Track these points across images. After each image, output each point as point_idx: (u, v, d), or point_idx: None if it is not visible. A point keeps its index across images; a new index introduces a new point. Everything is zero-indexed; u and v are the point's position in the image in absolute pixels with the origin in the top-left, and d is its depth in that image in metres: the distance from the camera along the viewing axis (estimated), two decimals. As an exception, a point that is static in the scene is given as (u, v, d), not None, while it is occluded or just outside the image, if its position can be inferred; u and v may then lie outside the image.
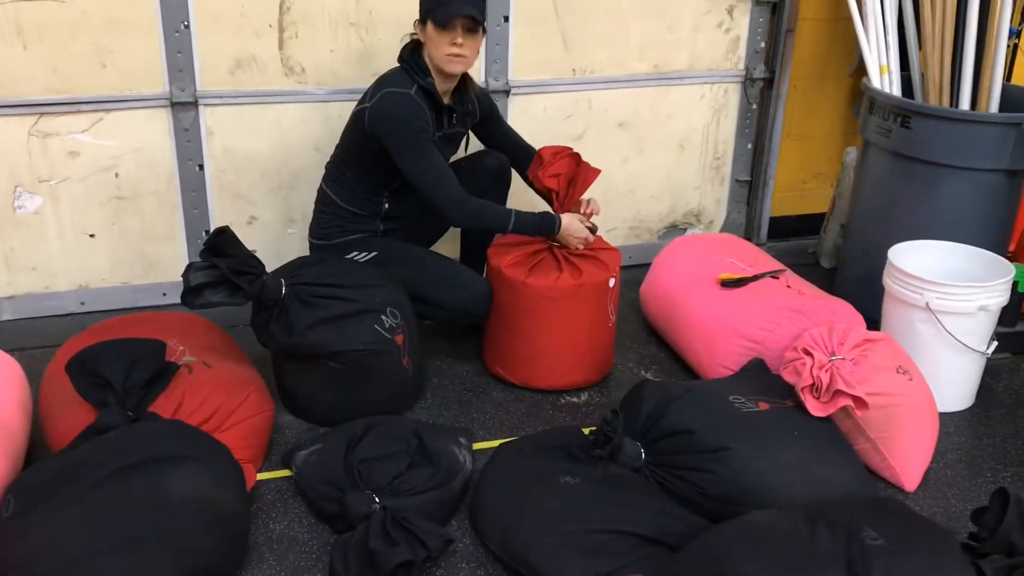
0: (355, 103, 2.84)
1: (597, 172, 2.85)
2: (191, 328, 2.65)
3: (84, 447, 2.08)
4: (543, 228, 2.77)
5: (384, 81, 2.77)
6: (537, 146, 2.97)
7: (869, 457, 2.47)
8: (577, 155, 2.85)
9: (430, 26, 2.67)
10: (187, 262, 3.27)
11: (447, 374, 2.97)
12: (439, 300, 2.81)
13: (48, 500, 1.94)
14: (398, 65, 2.79)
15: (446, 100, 2.81)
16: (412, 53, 2.77)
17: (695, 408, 2.33)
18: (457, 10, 2.63)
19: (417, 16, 2.73)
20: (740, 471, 2.23)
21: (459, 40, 2.66)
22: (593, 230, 2.85)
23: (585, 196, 2.91)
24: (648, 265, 3.32)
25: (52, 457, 2.12)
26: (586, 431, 2.51)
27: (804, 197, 4.00)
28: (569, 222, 2.78)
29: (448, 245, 3.25)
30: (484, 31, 2.75)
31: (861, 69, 3.38)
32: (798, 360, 2.46)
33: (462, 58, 2.70)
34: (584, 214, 2.87)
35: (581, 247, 2.81)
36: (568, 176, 2.84)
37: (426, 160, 2.71)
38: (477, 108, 2.95)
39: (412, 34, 2.79)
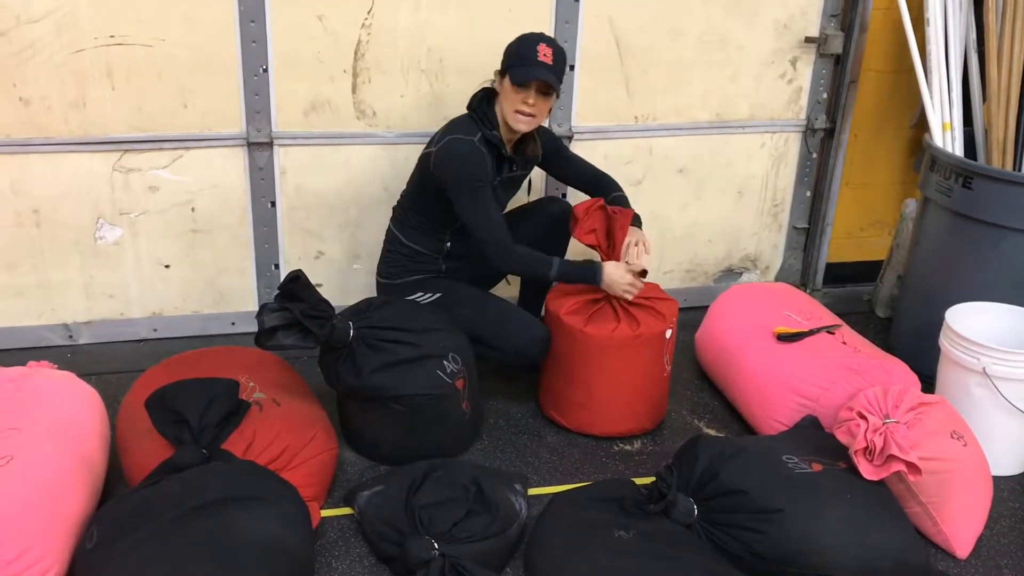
0: (423, 146, 2.94)
1: (630, 213, 2.91)
2: (262, 364, 2.75)
3: (162, 484, 2.19)
4: (586, 278, 2.83)
5: (451, 127, 2.85)
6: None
7: (921, 521, 2.49)
8: (604, 205, 2.91)
9: (507, 81, 2.75)
10: (256, 294, 3.40)
11: (502, 415, 3.04)
12: (498, 343, 2.88)
13: (128, 535, 2.05)
14: (466, 112, 2.88)
15: (508, 149, 2.89)
16: (482, 102, 2.85)
17: (749, 468, 2.37)
18: (536, 74, 2.71)
19: (496, 67, 2.81)
20: (792, 533, 2.26)
21: (531, 100, 2.74)
22: (643, 273, 2.86)
23: (631, 238, 2.90)
24: (703, 308, 3.37)
25: (132, 492, 2.23)
26: (638, 482, 2.57)
27: (861, 244, 4.01)
28: (611, 271, 2.81)
29: (508, 288, 3.32)
30: (558, 95, 2.82)
31: (923, 120, 3.38)
32: (852, 421, 2.49)
33: (530, 118, 2.78)
34: (632, 263, 2.85)
35: (628, 296, 2.83)
36: (604, 229, 2.89)
37: (479, 207, 2.79)
38: (540, 150, 3.02)
39: (490, 81, 2.86)
